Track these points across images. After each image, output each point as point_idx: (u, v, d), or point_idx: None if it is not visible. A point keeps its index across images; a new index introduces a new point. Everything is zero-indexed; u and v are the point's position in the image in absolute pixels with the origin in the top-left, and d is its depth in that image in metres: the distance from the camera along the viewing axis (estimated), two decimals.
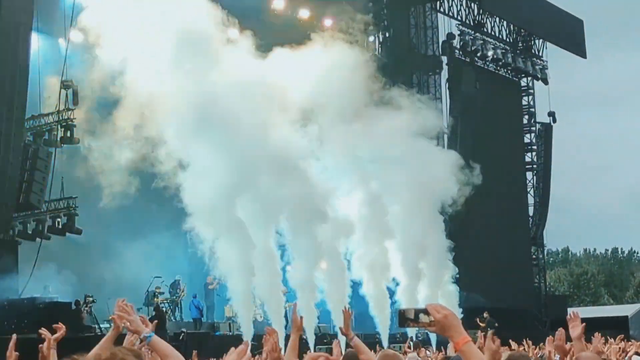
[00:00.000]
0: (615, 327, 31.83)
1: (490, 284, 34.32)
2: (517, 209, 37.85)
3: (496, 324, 28.82)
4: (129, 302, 4.81)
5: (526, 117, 39.21)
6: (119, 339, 5.10)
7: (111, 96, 20.76)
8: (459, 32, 34.33)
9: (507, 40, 37.21)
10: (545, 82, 38.66)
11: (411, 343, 17.80)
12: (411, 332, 25.47)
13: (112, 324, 5.26)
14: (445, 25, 35.03)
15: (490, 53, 35.49)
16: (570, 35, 39.36)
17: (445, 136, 34.34)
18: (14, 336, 5.26)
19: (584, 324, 5.69)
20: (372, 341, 22.97)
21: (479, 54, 34.80)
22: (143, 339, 4.58)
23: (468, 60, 34.38)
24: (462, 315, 29.66)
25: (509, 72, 37.75)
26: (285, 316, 23.31)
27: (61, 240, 23.83)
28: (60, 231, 23.26)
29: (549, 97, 38.82)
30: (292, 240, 23.45)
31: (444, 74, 35.09)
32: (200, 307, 25.62)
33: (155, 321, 5.38)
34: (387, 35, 33.93)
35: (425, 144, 26.90)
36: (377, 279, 26.59)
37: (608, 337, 10.61)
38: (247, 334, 21.43)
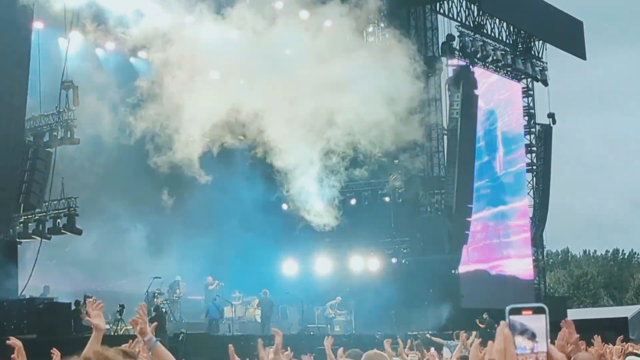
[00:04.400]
0: (614, 329, 31.81)
1: (490, 284, 34.34)
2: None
3: (496, 325, 28.77)
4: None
5: (526, 118, 39.23)
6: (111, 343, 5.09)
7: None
8: (458, 34, 34.31)
9: (507, 41, 37.19)
10: (545, 83, 38.66)
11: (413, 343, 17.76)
12: (411, 333, 25.47)
13: (92, 327, 5.22)
14: (445, 27, 35.06)
15: (490, 54, 35.48)
16: (570, 36, 39.35)
17: (445, 136, 34.39)
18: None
19: (577, 335, 5.68)
20: (372, 341, 22.92)
21: (478, 55, 34.79)
22: (148, 342, 4.60)
23: (468, 61, 34.38)
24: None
25: (509, 73, 37.76)
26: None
27: (60, 238, 23.84)
28: (61, 231, 23.27)
29: (548, 98, 38.86)
30: None
31: (444, 75, 35.14)
32: (220, 308, 25.82)
33: (155, 323, 5.39)
34: (386, 36, 33.93)
35: None
36: None
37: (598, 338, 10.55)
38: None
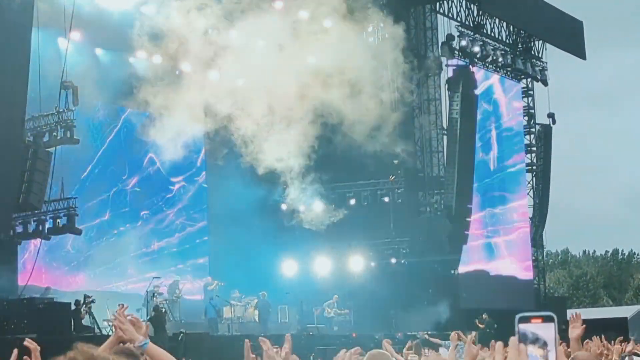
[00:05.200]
0: (614, 329, 31.82)
1: (489, 285, 34.35)
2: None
3: (495, 325, 28.85)
4: (126, 304, 4.83)
5: (525, 118, 39.23)
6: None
7: None
8: (458, 34, 34.31)
9: (507, 41, 37.19)
10: (545, 83, 38.65)
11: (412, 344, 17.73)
12: (411, 333, 25.47)
13: (113, 329, 5.24)
14: (445, 27, 35.04)
15: (489, 54, 35.47)
16: (570, 36, 39.35)
17: (445, 137, 34.38)
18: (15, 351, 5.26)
19: (583, 325, 5.70)
20: (373, 342, 22.94)
21: (478, 55, 34.79)
22: (138, 347, 4.59)
23: (467, 61, 34.38)
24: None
25: (509, 73, 37.76)
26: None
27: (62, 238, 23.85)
28: (60, 231, 23.27)
29: (548, 98, 38.84)
30: None
31: (444, 75, 35.13)
32: (217, 308, 25.85)
33: (147, 323, 5.40)
34: (386, 36, 33.93)
35: None
36: None
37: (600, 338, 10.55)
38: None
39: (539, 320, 2.63)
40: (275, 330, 25.04)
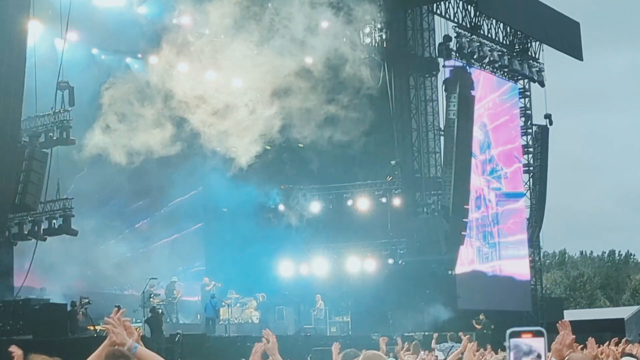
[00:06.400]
0: (611, 330, 31.84)
1: (486, 285, 34.35)
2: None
3: (492, 326, 28.85)
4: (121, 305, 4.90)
5: (522, 119, 39.24)
6: None
7: None
8: (455, 35, 34.29)
9: (504, 42, 37.18)
10: (542, 84, 38.67)
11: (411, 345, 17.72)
12: (410, 333, 25.45)
13: (108, 334, 5.27)
14: (442, 28, 35.03)
15: (486, 55, 35.46)
16: (567, 37, 39.37)
17: (442, 138, 34.38)
18: None
19: (573, 336, 5.71)
20: (369, 342, 22.93)
21: (475, 56, 34.77)
22: (128, 350, 4.73)
23: (464, 62, 34.36)
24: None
25: (506, 74, 37.75)
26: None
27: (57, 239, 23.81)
28: (56, 232, 23.19)
29: (545, 99, 38.90)
30: None
31: (441, 76, 35.11)
32: (217, 308, 25.80)
33: (140, 328, 5.45)
34: (383, 37, 33.93)
35: None
36: None
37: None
38: None
39: (530, 335, 2.69)
40: (273, 331, 24.98)
